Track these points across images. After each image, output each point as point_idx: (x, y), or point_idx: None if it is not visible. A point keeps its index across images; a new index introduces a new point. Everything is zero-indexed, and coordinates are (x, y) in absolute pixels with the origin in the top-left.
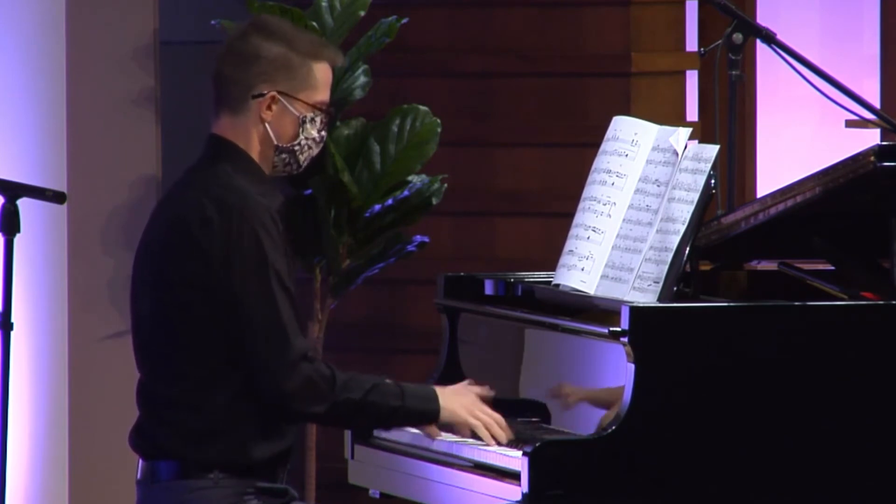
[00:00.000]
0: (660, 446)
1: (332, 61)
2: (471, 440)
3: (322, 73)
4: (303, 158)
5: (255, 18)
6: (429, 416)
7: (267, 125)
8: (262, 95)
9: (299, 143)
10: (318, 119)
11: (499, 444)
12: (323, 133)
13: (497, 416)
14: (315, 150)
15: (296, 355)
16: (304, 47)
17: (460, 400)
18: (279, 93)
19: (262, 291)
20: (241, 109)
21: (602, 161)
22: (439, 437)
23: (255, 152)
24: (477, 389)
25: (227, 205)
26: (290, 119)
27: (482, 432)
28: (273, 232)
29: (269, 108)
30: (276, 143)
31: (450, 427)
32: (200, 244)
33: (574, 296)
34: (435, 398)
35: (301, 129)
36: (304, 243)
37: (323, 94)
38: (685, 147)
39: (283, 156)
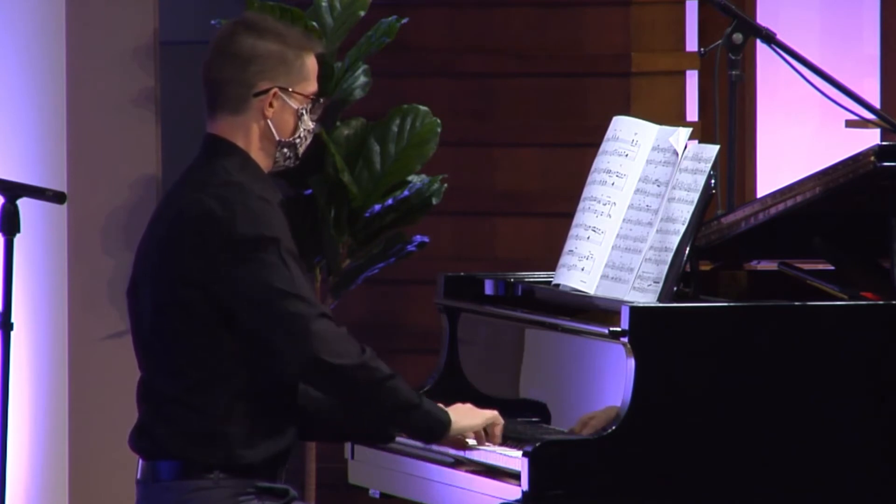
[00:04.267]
0: (660, 446)
1: (318, 51)
2: (470, 440)
3: (312, 63)
4: (301, 150)
5: (240, 18)
6: (441, 425)
7: (269, 121)
8: (264, 93)
9: (299, 136)
10: (311, 109)
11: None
12: (316, 123)
13: (493, 413)
14: (309, 140)
15: (318, 311)
16: (296, 41)
17: (462, 409)
18: (279, 88)
19: (273, 264)
20: (243, 109)
21: (602, 161)
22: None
23: (254, 149)
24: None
25: (229, 201)
26: (289, 113)
27: (491, 431)
28: (279, 219)
29: (270, 104)
30: (277, 137)
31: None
32: (204, 240)
33: (574, 296)
34: (445, 412)
35: (300, 121)
36: (304, 243)
37: (314, 85)
38: (685, 147)
39: (285, 150)
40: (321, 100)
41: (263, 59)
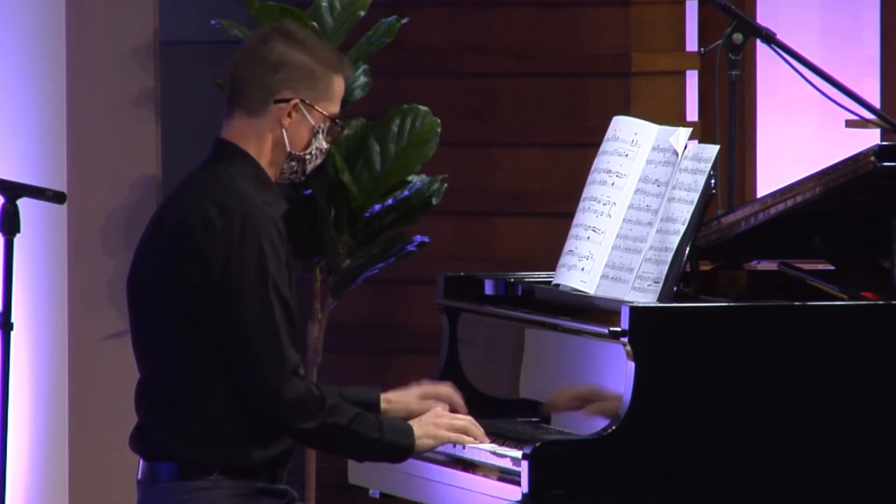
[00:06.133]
0: (660, 446)
1: (346, 75)
2: (468, 438)
3: (339, 85)
4: (309, 168)
5: (279, 25)
6: (404, 451)
7: (284, 131)
8: (285, 101)
9: (310, 153)
10: (328, 130)
11: (480, 441)
12: (328, 144)
13: (467, 417)
14: (319, 161)
15: (289, 367)
16: (327, 59)
17: (432, 420)
18: (301, 101)
19: (259, 300)
20: (260, 112)
21: (602, 161)
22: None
23: (265, 157)
24: (434, 390)
25: (230, 210)
26: (306, 128)
27: (465, 440)
28: (276, 241)
29: (289, 114)
30: (289, 149)
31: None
32: (201, 247)
33: (574, 296)
34: (411, 433)
35: (314, 139)
36: (304, 243)
37: (336, 107)
38: (685, 147)
39: (293, 163)
40: (340, 124)
41: (292, 68)
